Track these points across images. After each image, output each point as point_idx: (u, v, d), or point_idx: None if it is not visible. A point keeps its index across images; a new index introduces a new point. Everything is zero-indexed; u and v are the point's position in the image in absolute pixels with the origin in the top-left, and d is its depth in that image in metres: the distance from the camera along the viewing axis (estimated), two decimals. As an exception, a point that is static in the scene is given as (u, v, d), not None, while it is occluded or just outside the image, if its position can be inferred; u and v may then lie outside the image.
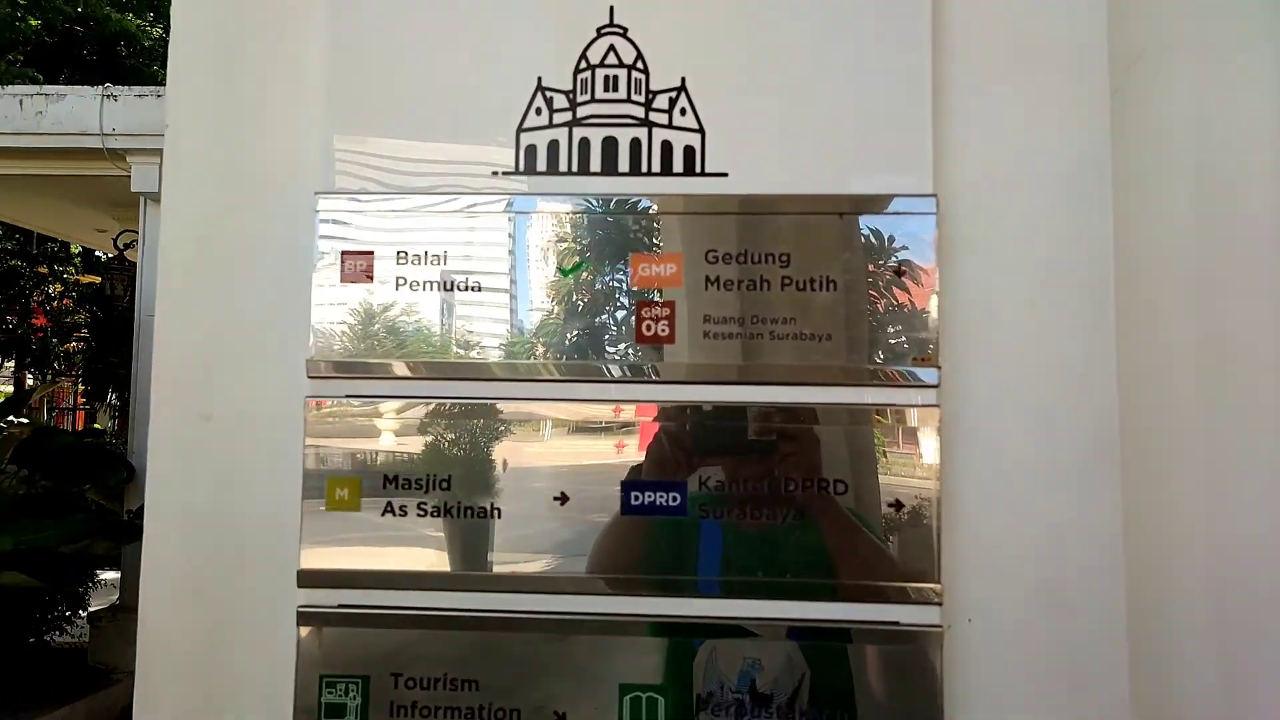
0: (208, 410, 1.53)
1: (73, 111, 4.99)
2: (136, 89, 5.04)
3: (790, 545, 1.40)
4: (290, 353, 1.49)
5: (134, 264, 6.11)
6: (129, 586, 5.62)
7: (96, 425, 8.88)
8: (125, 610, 5.52)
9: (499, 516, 1.44)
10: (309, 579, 1.45)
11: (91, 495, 5.70)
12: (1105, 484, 1.42)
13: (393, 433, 1.47)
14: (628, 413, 1.44)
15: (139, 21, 9.52)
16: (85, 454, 5.75)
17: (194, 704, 1.48)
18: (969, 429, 1.43)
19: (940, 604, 1.39)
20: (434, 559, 1.45)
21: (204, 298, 1.55)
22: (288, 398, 1.49)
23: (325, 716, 1.43)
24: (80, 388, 9.98)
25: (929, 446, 1.41)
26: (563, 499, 1.43)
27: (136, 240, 5.80)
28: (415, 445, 1.47)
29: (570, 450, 1.44)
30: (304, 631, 1.44)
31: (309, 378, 1.48)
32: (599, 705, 1.39)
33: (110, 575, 5.97)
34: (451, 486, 1.45)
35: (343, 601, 1.45)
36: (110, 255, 7.17)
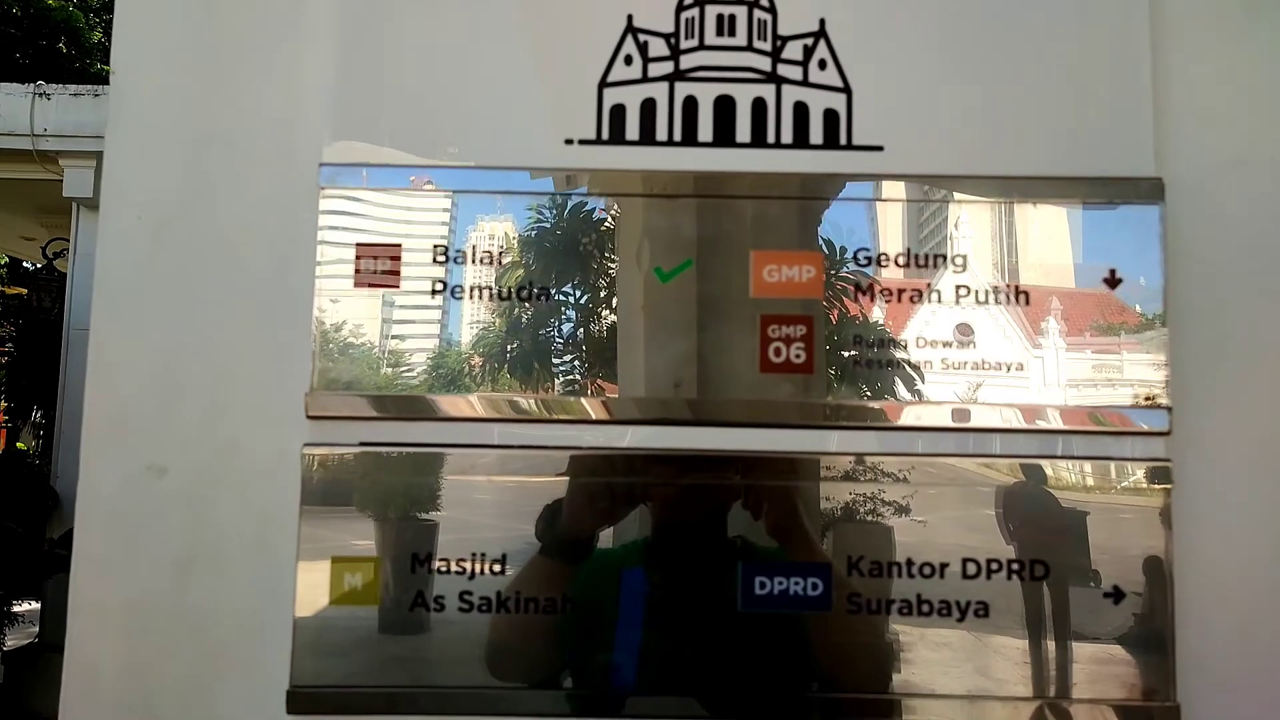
0: (160, 463, 1.10)
1: (0, 110, 4.68)
2: (72, 87, 4.81)
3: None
4: (281, 385, 1.08)
5: (64, 275, 5.76)
6: (50, 621, 5.26)
7: (20, 445, 8.26)
8: (46, 649, 5.15)
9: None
10: (304, 703, 1.03)
11: (8, 523, 5.28)
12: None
13: (426, 495, 1.07)
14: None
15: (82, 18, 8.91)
16: (4, 476, 5.35)
17: None
18: (1208, 492, 1.07)
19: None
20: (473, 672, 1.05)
21: (159, 310, 1.12)
22: (277, 446, 1.07)
23: None
24: (2, 404, 9.31)
25: (1156, 516, 1.05)
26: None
27: (67, 249, 5.53)
28: (459, 511, 1.07)
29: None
30: (296, 772, 1.03)
31: (308, 419, 1.07)
32: None
33: (28, 607, 5.52)
34: (506, 568, 1.05)
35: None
36: (38, 265, 6.78)
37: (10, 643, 5.46)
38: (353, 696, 1.04)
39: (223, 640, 1.07)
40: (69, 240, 5.12)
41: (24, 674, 5.27)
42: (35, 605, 5.58)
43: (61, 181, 4.71)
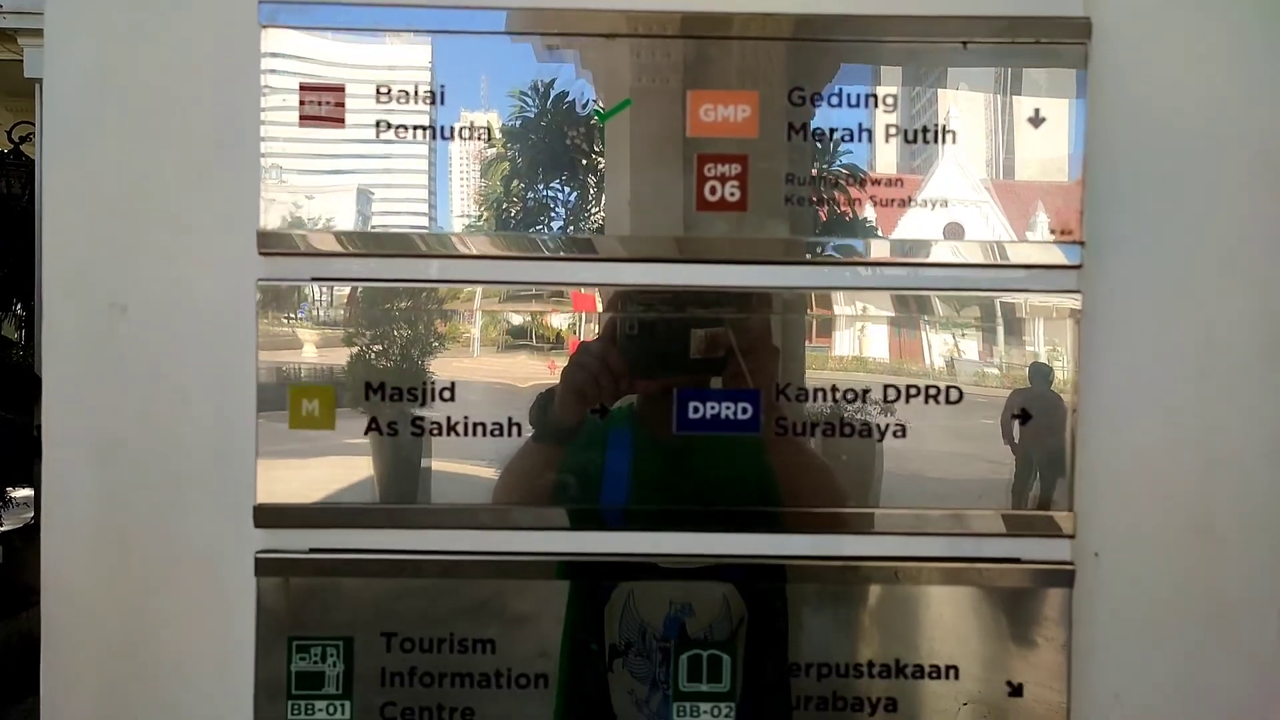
0: (121, 299, 1.15)
1: (-48, -13, 4.46)
2: (32, -41, 4.52)
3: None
4: (234, 221, 1.11)
5: (32, 160, 5.58)
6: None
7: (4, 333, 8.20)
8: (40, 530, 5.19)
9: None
10: (270, 516, 1.11)
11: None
12: (1273, 397, 1.16)
13: (376, 326, 1.12)
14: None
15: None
16: (-14, 366, 5.34)
17: (120, 681, 1.15)
18: (1114, 323, 1.14)
19: (1072, 537, 1.13)
20: (436, 488, 1.12)
21: (109, 151, 1.14)
22: (232, 282, 1.12)
23: (297, 687, 1.12)
24: (-23, 298, 9.15)
25: (1066, 343, 1.12)
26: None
27: (33, 133, 5.33)
28: (408, 343, 1.12)
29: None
30: (265, 584, 1.12)
31: (261, 254, 1.11)
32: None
33: (23, 493, 5.64)
34: (456, 396, 1.12)
35: (315, 544, 1.12)
36: (4, 151, 6.54)
37: (7, 525, 5.62)
38: (313, 511, 1.12)
39: (190, 467, 1.14)
40: (34, 123, 4.96)
41: (21, 554, 5.44)
42: (29, 491, 5.71)
43: (22, 61, 4.54)
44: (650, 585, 1.13)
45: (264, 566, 1.11)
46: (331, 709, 1.12)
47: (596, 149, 1.12)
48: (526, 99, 1.12)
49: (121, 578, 1.14)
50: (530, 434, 1.12)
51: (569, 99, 1.11)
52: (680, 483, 1.12)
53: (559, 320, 1.13)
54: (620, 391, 1.12)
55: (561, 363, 1.11)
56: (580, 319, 1.13)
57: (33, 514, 5.71)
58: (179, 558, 1.14)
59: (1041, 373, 1.13)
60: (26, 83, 4.73)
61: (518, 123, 1.12)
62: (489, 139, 1.12)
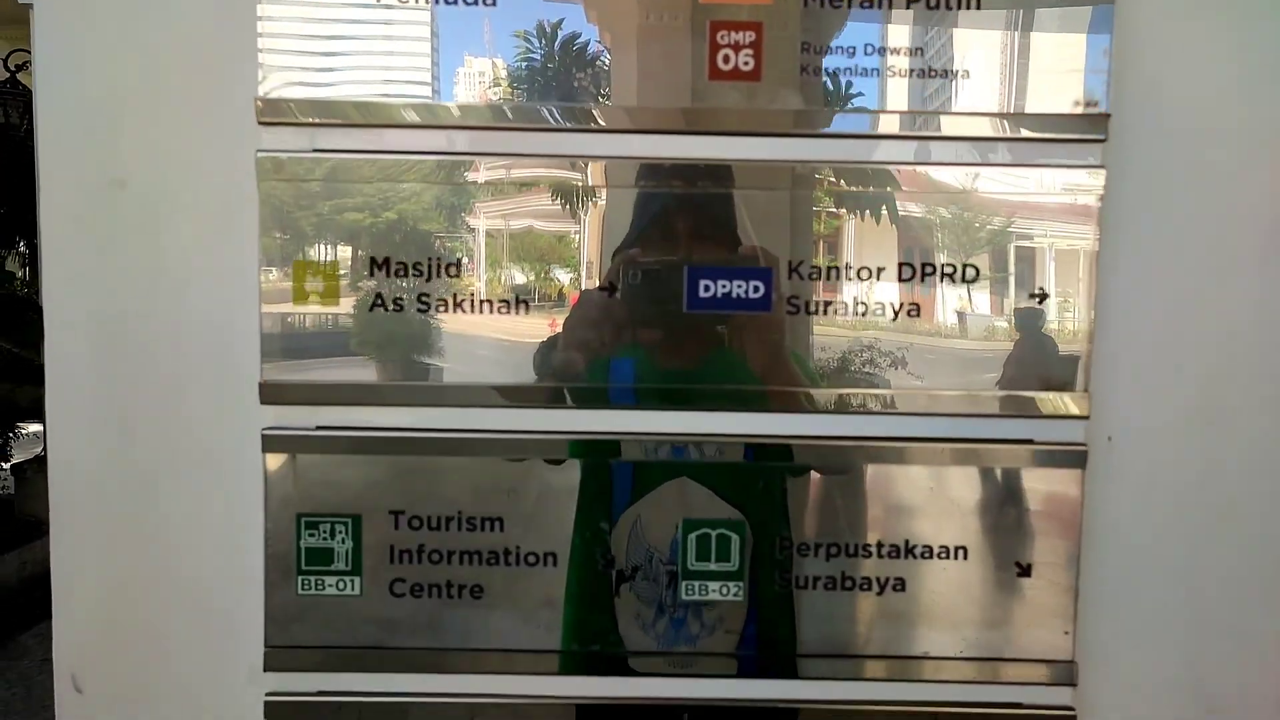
0: (119, 174, 1.12)
1: (-59, -96, 4.27)
2: None
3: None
4: (233, 92, 1.08)
5: (29, 90, 5.49)
6: (53, 437, 5.38)
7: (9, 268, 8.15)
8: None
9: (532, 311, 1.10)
10: (276, 393, 1.10)
11: (3, 344, 5.35)
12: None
13: (383, 199, 1.10)
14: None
15: None
16: (-6, 301, 5.34)
17: (129, 563, 1.15)
18: (1134, 201, 1.11)
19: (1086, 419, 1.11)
20: (444, 365, 1.11)
21: (103, 22, 1.11)
22: (231, 153, 1.09)
23: (306, 564, 1.12)
24: (-21, 234, 9.09)
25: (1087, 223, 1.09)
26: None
27: (30, 61, 5.19)
28: (415, 215, 1.10)
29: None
30: (272, 461, 1.11)
31: (260, 124, 1.08)
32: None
33: (34, 428, 5.69)
34: (461, 272, 1.10)
35: (322, 422, 1.11)
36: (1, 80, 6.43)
37: (18, 456, 5.68)
38: (320, 388, 1.11)
39: (193, 344, 1.12)
40: (30, 50, 4.92)
41: (33, 484, 5.51)
42: (38, 427, 5.77)
43: (15, -13, 4.46)
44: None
45: (271, 443, 1.11)
46: (341, 584, 1.12)
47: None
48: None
49: (127, 457, 1.14)
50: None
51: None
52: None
53: (565, 198, 1.10)
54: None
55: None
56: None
57: (42, 447, 5.76)
58: (185, 436, 1.13)
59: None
60: (20, 9, 4.63)
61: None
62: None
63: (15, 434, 5.61)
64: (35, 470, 5.57)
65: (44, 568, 1.16)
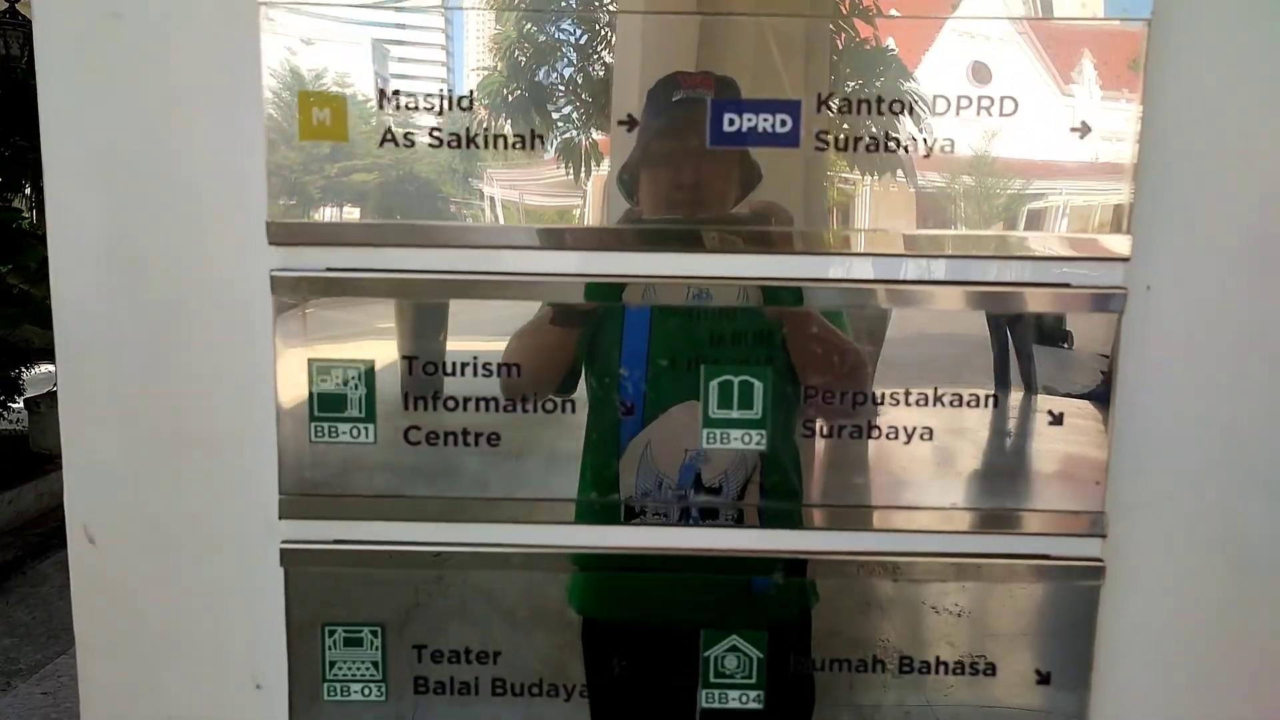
0: (115, 7, 1.07)
1: None
2: None
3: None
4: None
5: (28, 20, 5.37)
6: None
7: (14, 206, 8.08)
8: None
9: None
10: (284, 234, 1.07)
11: (13, 280, 5.34)
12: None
13: (389, 30, 1.05)
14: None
15: None
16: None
17: (140, 414, 1.12)
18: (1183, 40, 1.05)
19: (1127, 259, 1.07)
20: (453, 206, 1.07)
21: None
22: None
23: (319, 410, 1.09)
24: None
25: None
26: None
27: None
28: (424, 46, 1.05)
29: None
30: (282, 305, 1.08)
31: (262, -55, 1.03)
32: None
33: (47, 368, 5.73)
34: (474, 105, 1.05)
35: (332, 264, 1.08)
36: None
37: (31, 391, 5.72)
38: (330, 229, 1.07)
39: (198, 181, 1.08)
40: (27, -28, 4.83)
41: (46, 419, 5.55)
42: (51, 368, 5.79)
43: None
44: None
45: (280, 286, 1.07)
46: (355, 432, 1.10)
47: None
48: None
49: (135, 302, 1.11)
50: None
51: None
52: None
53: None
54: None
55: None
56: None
57: (54, 382, 5.81)
58: (193, 278, 1.10)
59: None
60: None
61: None
62: None
63: (30, 365, 5.65)
64: (48, 405, 5.61)
65: (60, 499, 1.15)
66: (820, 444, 1.10)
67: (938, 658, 1.13)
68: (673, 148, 1.06)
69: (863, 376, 1.09)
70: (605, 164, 1.06)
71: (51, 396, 5.73)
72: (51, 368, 5.86)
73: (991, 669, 1.13)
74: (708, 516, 1.11)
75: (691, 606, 1.15)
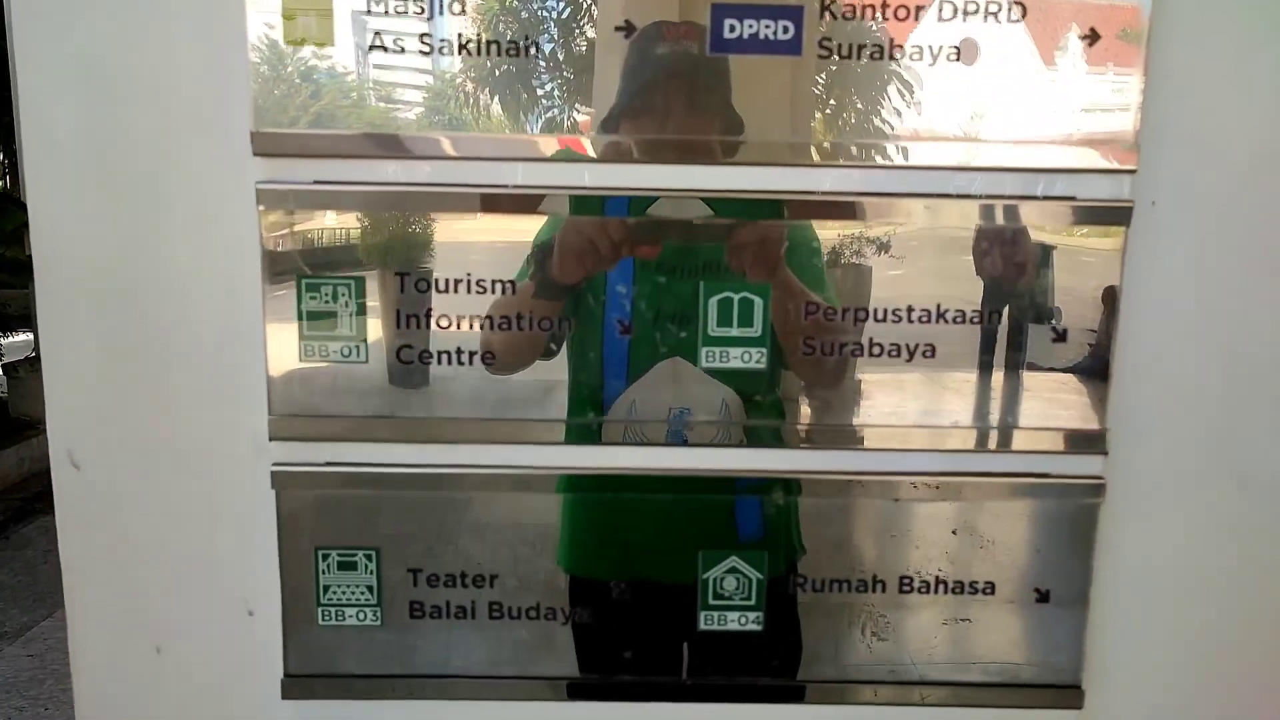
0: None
1: None
2: None
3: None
4: None
5: None
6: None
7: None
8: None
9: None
10: (269, 144, 1.03)
11: None
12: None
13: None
14: None
15: None
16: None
17: (120, 321, 1.09)
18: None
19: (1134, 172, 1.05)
20: (440, 115, 1.04)
21: None
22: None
23: (309, 328, 1.07)
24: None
25: None
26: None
27: None
28: (413, -57, 1.01)
29: None
30: (268, 219, 1.04)
31: None
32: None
33: (25, 336, 5.67)
34: (467, 8, 1.01)
35: (320, 176, 1.04)
36: None
37: (9, 357, 5.65)
38: (315, 139, 1.03)
39: (178, 83, 1.04)
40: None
41: (26, 384, 5.49)
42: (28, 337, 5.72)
43: None
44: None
45: (266, 198, 1.04)
46: (346, 350, 1.07)
47: None
48: None
49: (115, 217, 1.07)
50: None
51: None
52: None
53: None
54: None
55: None
56: None
57: (34, 349, 5.72)
58: (174, 191, 1.06)
59: None
60: None
61: None
62: None
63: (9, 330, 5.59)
64: (28, 370, 5.55)
65: (42, 464, 1.11)
66: (816, 362, 1.08)
67: (937, 577, 1.13)
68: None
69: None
70: (597, 73, 1.03)
71: (31, 362, 5.65)
72: (30, 335, 5.78)
73: (990, 588, 1.13)
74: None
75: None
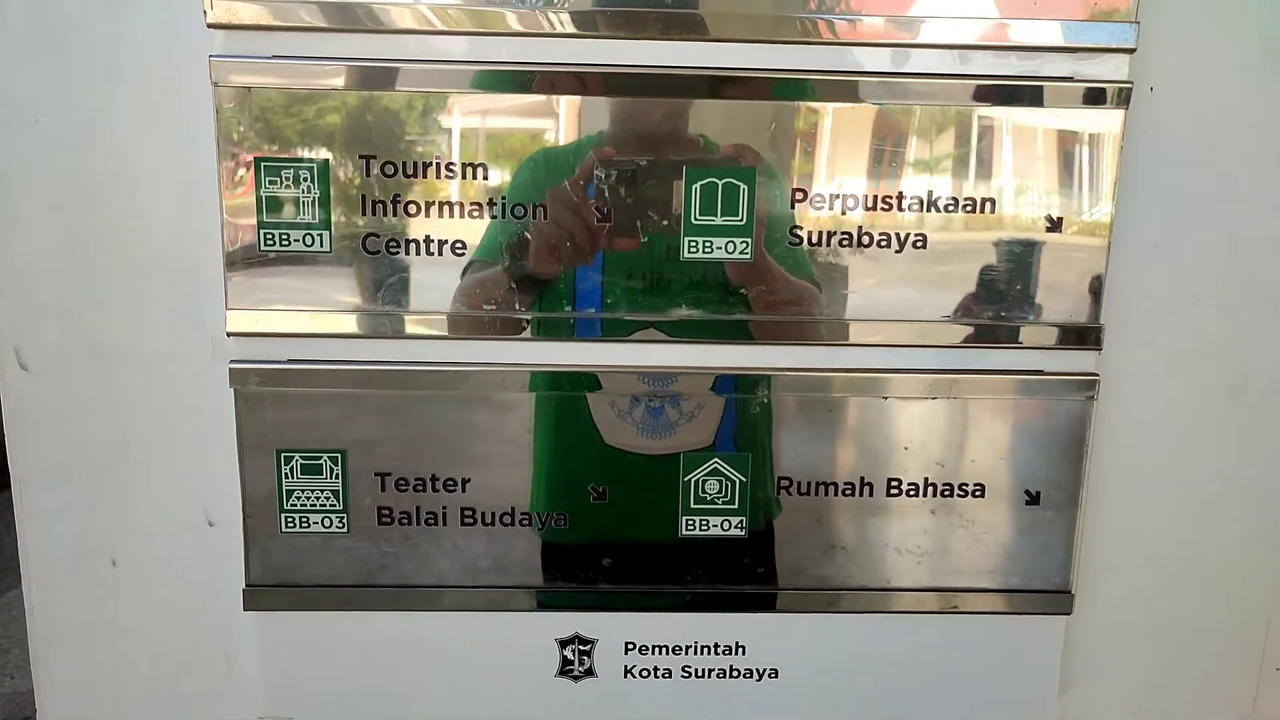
0: None
1: None
2: None
3: None
4: None
5: None
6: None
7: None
8: None
9: None
10: (223, 16, 0.97)
11: None
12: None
13: None
14: None
15: None
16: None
17: (72, 218, 1.02)
18: None
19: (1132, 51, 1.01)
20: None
21: None
22: None
23: (268, 214, 1.01)
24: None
25: None
26: None
27: None
28: None
29: None
30: (224, 93, 0.98)
31: None
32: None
33: None
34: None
35: (279, 50, 0.98)
36: None
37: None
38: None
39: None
40: None
41: None
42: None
43: None
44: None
45: (220, 72, 0.97)
46: (309, 239, 1.01)
47: None
48: None
49: (68, 98, 1.00)
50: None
51: None
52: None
53: None
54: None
55: None
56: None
57: None
58: (126, 66, 1.00)
59: None
60: None
61: None
62: None
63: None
64: None
65: None
66: (806, 254, 1.04)
67: (926, 479, 1.09)
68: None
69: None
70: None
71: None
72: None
73: (980, 490, 1.09)
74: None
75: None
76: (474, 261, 1.03)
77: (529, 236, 1.02)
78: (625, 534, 1.10)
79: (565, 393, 1.07)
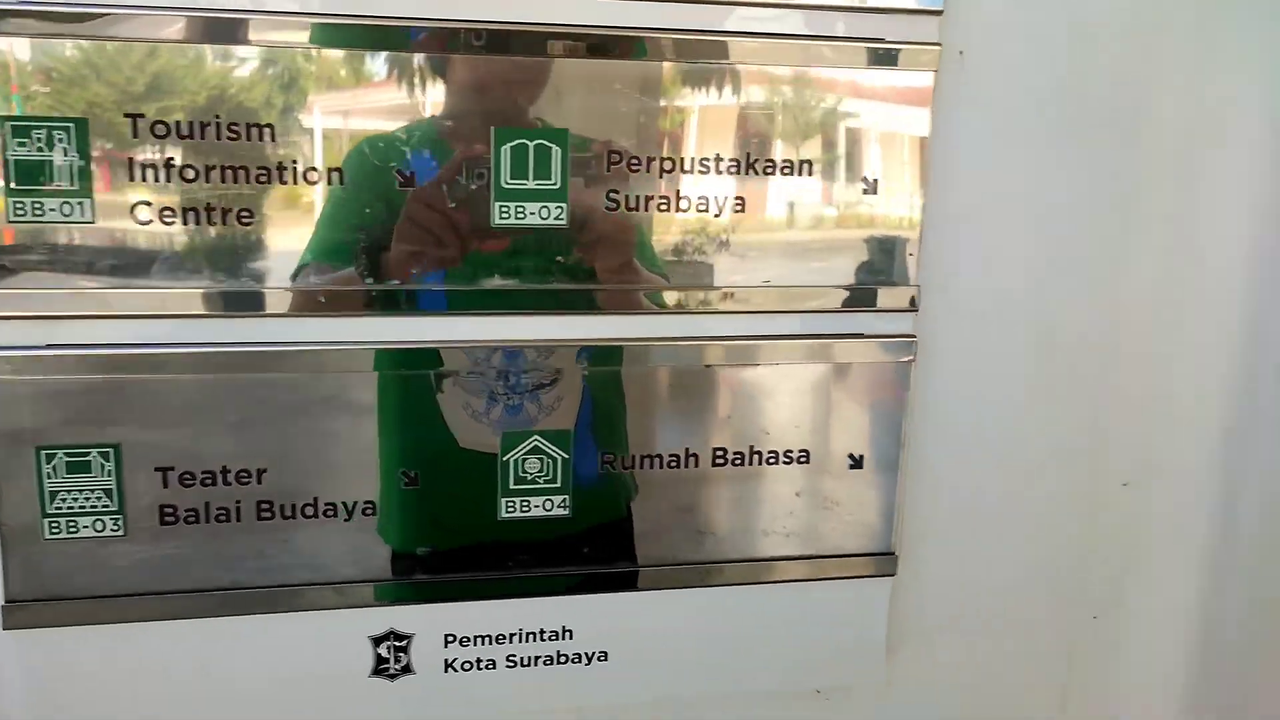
0: None
1: None
2: None
3: None
4: None
5: None
6: None
7: None
8: None
9: None
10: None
11: None
12: None
13: None
14: None
15: None
16: None
17: None
18: None
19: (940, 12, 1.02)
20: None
21: None
22: None
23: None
24: None
25: None
26: None
27: None
28: None
29: None
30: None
31: None
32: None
33: None
34: None
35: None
36: None
37: None
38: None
39: None
40: None
41: None
42: None
43: None
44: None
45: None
46: (68, 209, 0.89)
47: None
48: None
49: None
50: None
51: None
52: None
53: None
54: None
55: None
56: None
57: None
58: None
59: None
60: None
61: None
62: None
63: None
64: None
65: None
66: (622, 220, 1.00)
67: (751, 447, 1.07)
68: None
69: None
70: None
71: None
72: None
73: (805, 456, 1.09)
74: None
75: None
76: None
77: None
78: (440, 521, 1.03)
79: (406, 372, 1.00)
